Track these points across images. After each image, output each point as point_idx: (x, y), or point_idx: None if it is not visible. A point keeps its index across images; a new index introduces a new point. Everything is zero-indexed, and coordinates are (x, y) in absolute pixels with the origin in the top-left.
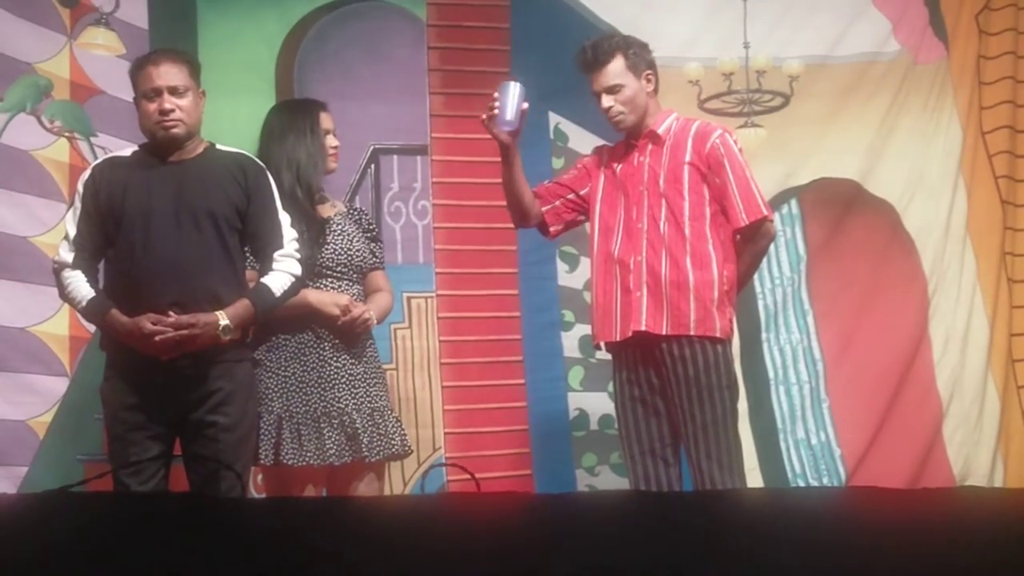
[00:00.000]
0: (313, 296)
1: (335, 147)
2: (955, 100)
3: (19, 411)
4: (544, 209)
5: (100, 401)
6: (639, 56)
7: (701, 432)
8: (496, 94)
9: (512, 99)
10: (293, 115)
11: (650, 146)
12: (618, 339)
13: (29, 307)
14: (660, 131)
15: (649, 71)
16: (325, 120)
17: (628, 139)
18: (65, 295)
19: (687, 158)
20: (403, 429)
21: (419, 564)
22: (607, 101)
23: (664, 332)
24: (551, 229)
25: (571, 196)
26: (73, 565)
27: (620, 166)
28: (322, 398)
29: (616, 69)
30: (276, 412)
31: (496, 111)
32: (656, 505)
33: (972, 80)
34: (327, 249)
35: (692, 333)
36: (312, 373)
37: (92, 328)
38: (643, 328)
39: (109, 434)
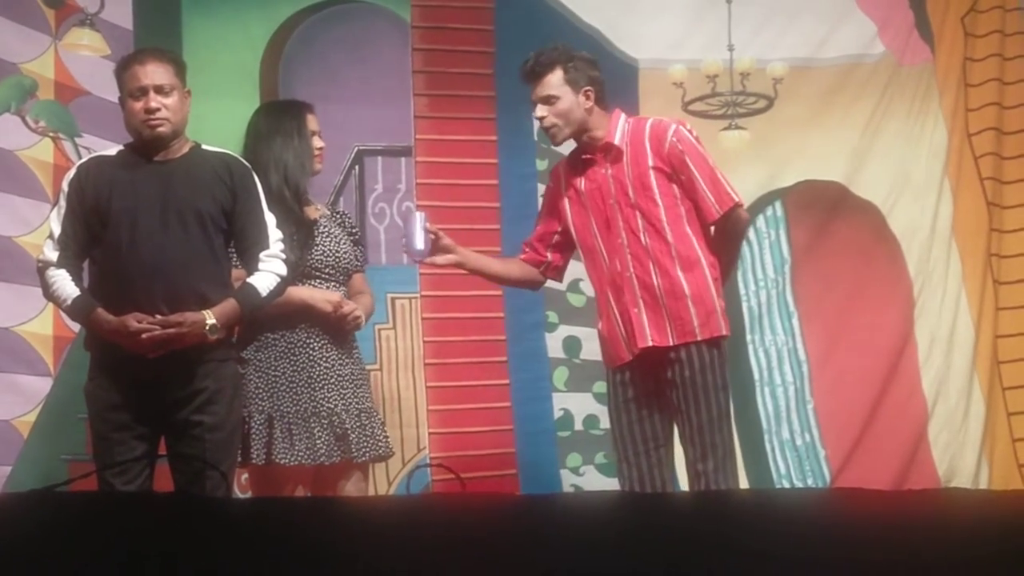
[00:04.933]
0: (305, 293)
1: (320, 148)
2: (941, 102)
3: (3, 411)
4: (541, 269)
5: (84, 401)
6: (579, 71)
7: (696, 433)
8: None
9: (415, 229)
10: (280, 116)
11: (609, 158)
12: (628, 359)
13: (13, 307)
14: (616, 142)
15: (589, 87)
16: (311, 122)
17: (582, 153)
18: (50, 294)
19: (650, 163)
20: (386, 431)
21: (404, 564)
22: (540, 111)
23: (671, 343)
24: (559, 279)
25: (554, 240)
26: (58, 565)
27: (583, 183)
28: (312, 398)
29: (553, 81)
30: (266, 411)
31: (404, 247)
32: (639, 506)
33: (958, 82)
34: (316, 251)
35: (699, 338)
36: (302, 373)
37: (76, 327)
38: (649, 344)
39: (94, 434)
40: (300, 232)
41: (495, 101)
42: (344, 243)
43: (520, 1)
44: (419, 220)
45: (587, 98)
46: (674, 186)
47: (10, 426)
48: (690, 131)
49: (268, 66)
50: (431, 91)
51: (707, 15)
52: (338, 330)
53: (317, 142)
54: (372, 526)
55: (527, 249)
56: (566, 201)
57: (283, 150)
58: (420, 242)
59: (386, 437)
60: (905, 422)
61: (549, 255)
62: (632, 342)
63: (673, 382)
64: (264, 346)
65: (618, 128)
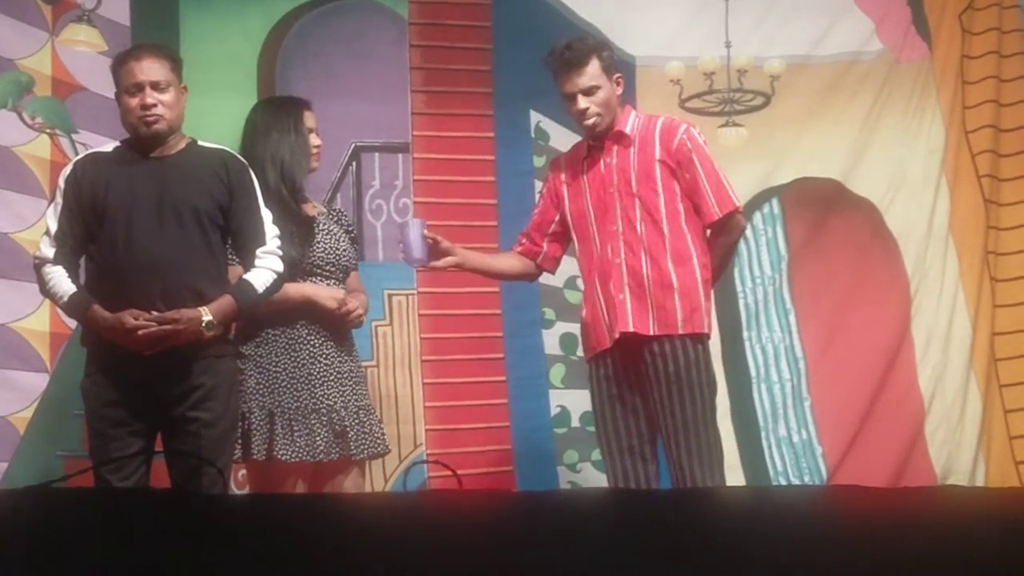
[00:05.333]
0: (309, 289)
1: (317, 146)
2: (938, 99)
3: None
4: (538, 260)
5: (81, 397)
6: (611, 59)
7: (682, 429)
8: (400, 238)
9: (413, 236)
10: (277, 112)
11: (616, 147)
12: (609, 345)
13: (10, 303)
14: (627, 131)
15: (619, 75)
16: (308, 119)
17: (591, 143)
18: (46, 291)
19: (657, 156)
20: (382, 428)
21: (401, 561)
22: (584, 103)
23: (651, 332)
24: (554, 270)
25: (552, 229)
26: (54, 562)
27: (585, 171)
28: (312, 395)
29: (593, 71)
30: (267, 407)
31: (403, 254)
32: (638, 503)
33: (955, 79)
34: (317, 248)
35: (680, 332)
36: (302, 369)
37: (73, 324)
38: (630, 329)
39: (90, 430)
40: (300, 229)
41: (492, 97)
42: (343, 241)
43: None
44: (416, 227)
45: (618, 85)
46: (676, 184)
47: (6, 422)
48: (699, 133)
49: (265, 62)
50: (429, 87)
51: (704, 12)
52: (339, 327)
53: (314, 139)
54: (369, 523)
55: (523, 240)
56: (565, 189)
57: (279, 146)
58: (419, 250)
59: (383, 435)
60: (902, 419)
61: (545, 245)
62: (613, 327)
63: (657, 378)
64: (264, 342)
65: (629, 120)
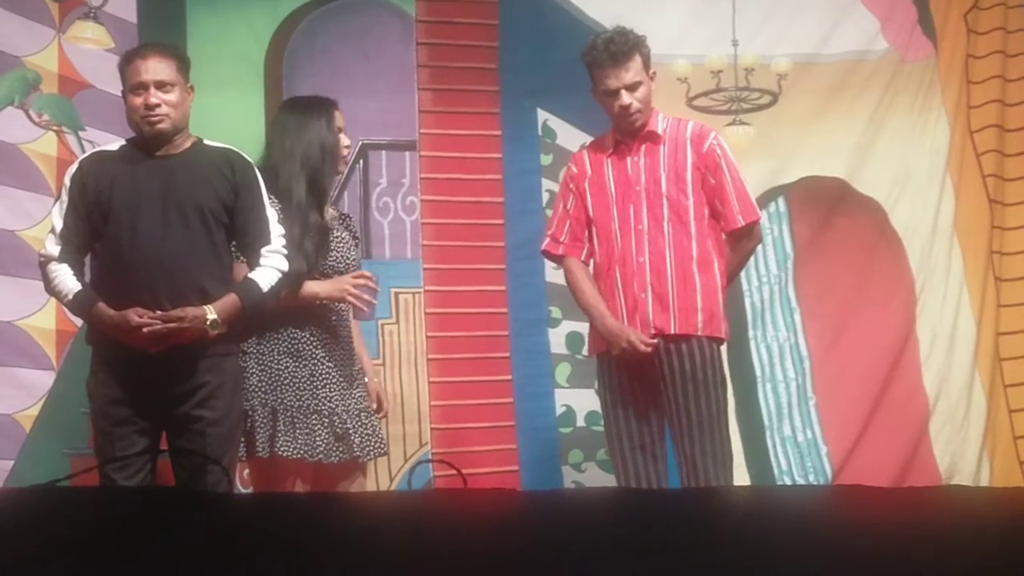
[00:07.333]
0: (320, 288)
1: (347, 146)
2: (943, 99)
3: (5, 404)
4: (582, 257)
5: (86, 395)
6: (649, 55)
7: (696, 428)
8: None
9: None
10: (308, 113)
11: (645, 146)
12: None
13: (16, 301)
14: (659, 131)
15: (654, 71)
16: (338, 118)
17: (619, 139)
18: (51, 288)
19: (690, 159)
20: (382, 429)
21: (406, 560)
22: (627, 99)
23: (672, 332)
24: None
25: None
26: (59, 560)
27: (610, 168)
28: (313, 395)
29: (637, 66)
30: (270, 404)
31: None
32: (642, 502)
33: (960, 79)
34: (330, 256)
35: (700, 333)
36: (305, 369)
37: (79, 322)
38: (652, 329)
39: (95, 428)
40: (320, 235)
41: (499, 95)
42: (352, 248)
43: None
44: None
45: (653, 80)
46: (703, 189)
47: (12, 420)
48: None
49: (272, 59)
50: (435, 85)
51: (711, 10)
52: (333, 327)
53: (344, 139)
54: (374, 522)
55: (565, 241)
56: (587, 184)
57: (311, 148)
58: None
59: (383, 435)
60: (906, 419)
61: (587, 243)
62: (631, 324)
63: (672, 375)
64: (268, 341)
65: (659, 120)
